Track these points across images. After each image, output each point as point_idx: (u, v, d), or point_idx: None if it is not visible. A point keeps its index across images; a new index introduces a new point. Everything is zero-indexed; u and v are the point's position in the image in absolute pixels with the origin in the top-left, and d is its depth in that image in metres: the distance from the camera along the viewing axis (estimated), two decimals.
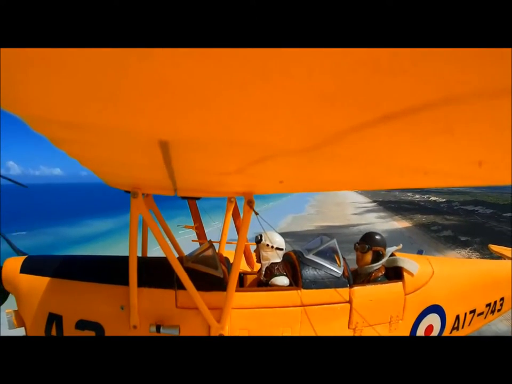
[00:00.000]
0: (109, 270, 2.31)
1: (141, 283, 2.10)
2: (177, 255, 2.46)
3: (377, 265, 2.62)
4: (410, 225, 16.01)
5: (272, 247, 2.57)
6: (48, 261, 2.36)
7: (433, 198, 33.24)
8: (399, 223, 16.54)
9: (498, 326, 5.00)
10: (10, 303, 2.38)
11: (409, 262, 2.62)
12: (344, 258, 2.51)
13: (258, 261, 2.65)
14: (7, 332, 2.34)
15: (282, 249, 2.60)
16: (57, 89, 0.52)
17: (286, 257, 2.61)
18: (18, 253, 2.41)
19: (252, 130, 0.72)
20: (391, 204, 28.27)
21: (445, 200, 30.41)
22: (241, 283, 2.89)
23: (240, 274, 2.81)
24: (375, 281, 2.55)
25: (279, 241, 2.61)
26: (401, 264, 2.61)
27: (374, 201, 31.02)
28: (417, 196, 37.49)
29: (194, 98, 0.53)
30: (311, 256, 2.46)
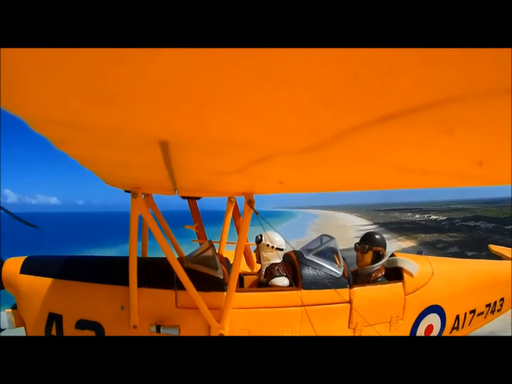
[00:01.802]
0: (109, 270, 2.31)
1: (141, 283, 2.10)
2: (177, 256, 2.46)
3: (377, 265, 2.62)
4: (416, 244, 15.98)
5: (272, 247, 2.56)
6: (48, 262, 2.36)
7: (433, 217, 33.24)
8: (404, 243, 16.46)
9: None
10: (10, 303, 2.38)
11: (409, 262, 2.61)
12: (344, 259, 2.51)
13: (258, 261, 2.65)
14: (7, 331, 2.34)
15: (282, 250, 2.60)
16: (57, 89, 0.52)
17: (286, 257, 2.61)
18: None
19: (252, 131, 0.72)
20: (393, 225, 27.95)
21: (445, 218, 30.43)
22: (241, 284, 2.89)
23: (240, 275, 2.81)
24: (375, 281, 2.55)
25: (279, 241, 2.61)
26: (401, 264, 2.61)
27: (375, 223, 30.69)
28: (417, 216, 37.49)
29: (194, 98, 0.53)
30: (311, 257, 2.46)
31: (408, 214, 42.40)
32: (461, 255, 12.92)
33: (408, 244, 16.27)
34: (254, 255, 3.43)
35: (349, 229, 24.77)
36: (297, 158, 0.93)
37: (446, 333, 2.73)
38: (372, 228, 25.42)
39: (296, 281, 2.34)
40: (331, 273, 2.37)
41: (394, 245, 15.73)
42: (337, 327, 2.31)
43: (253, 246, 3.11)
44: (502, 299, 3.04)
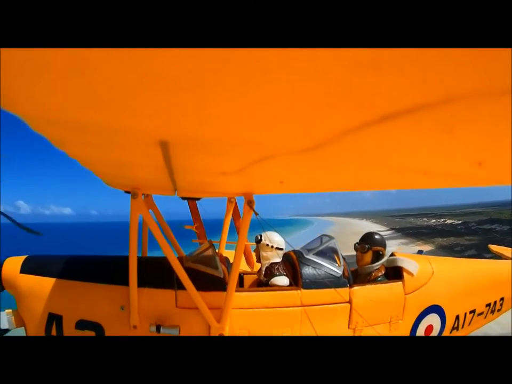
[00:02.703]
0: (109, 270, 2.31)
1: (141, 283, 2.10)
2: (177, 255, 2.46)
3: (377, 265, 2.62)
4: (433, 248, 16.02)
5: (272, 247, 2.56)
6: (48, 261, 2.36)
7: (449, 221, 33.19)
8: (422, 248, 16.60)
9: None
10: (11, 303, 2.38)
11: (409, 262, 2.61)
12: (344, 258, 2.51)
13: (258, 261, 2.65)
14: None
15: (282, 249, 2.60)
16: (57, 89, 0.52)
17: (286, 257, 2.61)
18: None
19: (252, 131, 0.72)
20: (409, 230, 27.81)
21: (461, 221, 30.35)
22: (241, 283, 2.89)
23: (240, 274, 2.81)
24: (375, 281, 2.54)
25: (279, 241, 2.61)
26: (401, 264, 2.61)
27: (391, 229, 30.57)
28: (433, 220, 37.47)
29: (194, 98, 0.53)
30: (311, 256, 2.46)
31: (424, 219, 42.39)
32: (478, 257, 13.12)
33: (426, 248, 16.39)
34: (254, 254, 3.43)
35: None
36: (297, 158, 0.93)
37: (446, 333, 2.73)
38: (388, 233, 25.47)
39: (296, 281, 2.34)
40: (331, 272, 2.37)
41: (412, 249, 15.83)
42: (337, 327, 2.30)
43: (253, 246, 3.11)
44: (502, 299, 3.04)
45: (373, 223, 44.04)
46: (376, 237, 2.71)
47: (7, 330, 2.30)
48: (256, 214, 2.00)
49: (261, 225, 2.12)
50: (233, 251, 2.18)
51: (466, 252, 14.27)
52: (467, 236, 19.39)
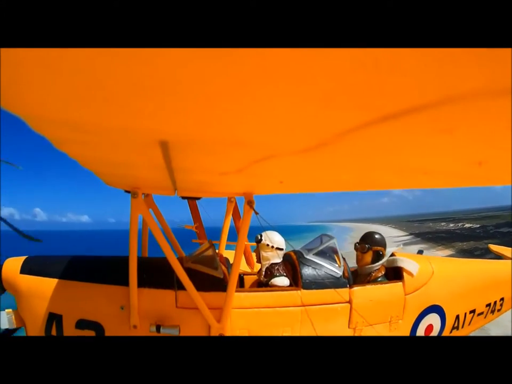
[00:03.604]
0: (109, 270, 2.31)
1: (141, 283, 2.10)
2: (177, 255, 2.46)
3: (377, 265, 2.62)
4: (454, 252, 16.06)
5: (272, 247, 2.56)
6: (48, 262, 2.36)
7: (467, 225, 33.35)
8: (442, 252, 16.57)
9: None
10: (11, 303, 2.38)
11: (409, 262, 2.61)
12: (344, 259, 2.51)
13: (258, 261, 2.65)
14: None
15: (282, 249, 2.60)
16: (57, 89, 0.52)
17: (286, 257, 2.61)
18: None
19: (252, 131, 0.72)
20: (428, 234, 27.96)
21: (479, 225, 30.54)
22: (241, 283, 2.89)
23: (240, 274, 2.81)
24: (375, 281, 2.54)
25: (279, 241, 2.61)
26: (401, 264, 2.60)
27: (410, 234, 30.70)
28: (452, 225, 37.62)
29: (194, 98, 0.53)
30: (311, 256, 2.46)
31: (442, 224, 42.49)
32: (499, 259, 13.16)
33: (447, 252, 16.43)
34: (254, 255, 3.43)
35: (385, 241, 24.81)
36: (297, 158, 0.93)
37: (446, 332, 2.73)
38: (407, 238, 25.46)
39: (296, 281, 2.34)
40: (331, 273, 2.37)
41: (433, 254, 15.90)
42: (337, 327, 2.31)
43: (253, 246, 3.11)
44: (502, 299, 3.04)
45: (392, 229, 44.08)
46: (377, 236, 2.71)
47: (14, 330, 2.30)
48: (257, 213, 2.00)
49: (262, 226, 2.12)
50: (233, 251, 2.18)
51: (486, 255, 14.38)
52: (486, 239, 19.43)
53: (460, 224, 36.35)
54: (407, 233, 31.91)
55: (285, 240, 2.65)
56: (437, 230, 32.69)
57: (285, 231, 2.05)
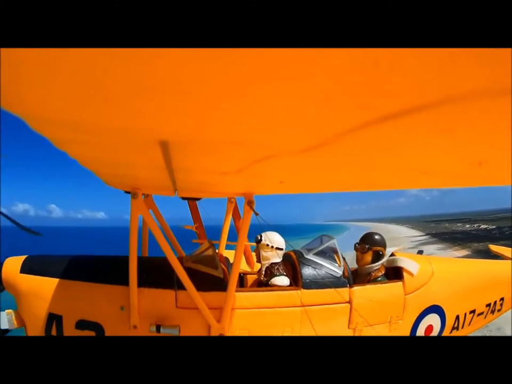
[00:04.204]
0: (109, 270, 2.31)
1: (141, 283, 2.10)
2: (177, 255, 2.46)
3: (377, 265, 2.62)
4: (470, 253, 16.08)
5: (272, 247, 2.56)
6: (48, 261, 2.36)
7: (483, 226, 33.44)
8: (459, 252, 16.62)
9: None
10: (11, 303, 2.38)
11: (409, 262, 2.61)
12: (344, 258, 2.51)
13: (258, 261, 2.65)
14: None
15: (282, 249, 2.60)
16: (57, 89, 0.52)
17: (286, 257, 2.61)
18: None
19: (252, 131, 0.72)
20: (445, 235, 28.09)
21: (495, 226, 30.66)
22: (241, 283, 2.89)
23: (240, 274, 2.81)
24: (375, 281, 2.54)
25: (279, 241, 2.61)
26: (401, 264, 2.60)
27: (427, 234, 30.68)
28: (468, 226, 37.68)
29: (194, 98, 0.53)
30: (311, 256, 2.46)
31: (459, 224, 42.45)
32: None
33: (463, 252, 16.48)
34: (254, 255, 3.43)
35: (402, 240, 24.85)
36: (297, 158, 0.93)
37: (446, 333, 2.73)
38: (424, 238, 25.49)
39: (296, 281, 2.34)
40: (331, 272, 2.37)
41: (450, 254, 15.89)
42: (337, 327, 2.31)
43: (253, 246, 3.11)
44: (502, 299, 3.04)
45: (409, 229, 43.98)
46: (376, 237, 2.71)
47: (7, 330, 2.30)
48: (257, 214, 2.00)
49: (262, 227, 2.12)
50: (233, 251, 2.18)
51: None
52: (502, 240, 19.48)
53: (475, 225, 36.40)
54: (424, 233, 31.93)
55: (285, 240, 2.65)
56: (453, 231, 32.78)
57: (302, 230, 2.05)
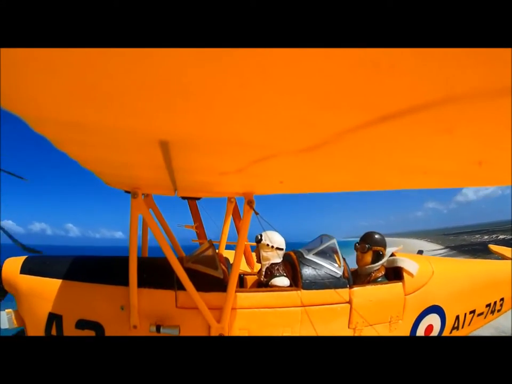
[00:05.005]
0: (109, 271, 2.31)
1: (141, 283, 2.10)
2: (177, 255, 2.46)
3: (377, 265, 2.62)
4: None
5: (272, 247, 2.56)
6: (48, 262, 2.36)
7: (501, 236, 33.60)
8: None
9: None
10: (10, 303, 2.38)
11: (409, 262, 2.61)
12: (344, 259, 2.51)
13: (259, 261, 2.65)
14: (8, 331, 2.34)
15: (282, 249, 2.60)
16: (57, 89, 0.52)
17: (286, 257, 2.61)
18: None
19: (252, 131, 0.72)
20: (464, 247, 28.19)
21: None
22: (241, 284, 2.89)
23: (240, 275, 2.81)
24: (375, 281, 2.54)
25: (279, 241, 2.60)
26: (401, 264, 2.60)
27: (446, 247, 30.83)
28: (486, 237, 37.84)
29: (194, 98, 0.53)
30: (311, 257, 2.46)
31: (477, 236, 42.42)
32: None
33: None
34: (254, 255, 3.43)
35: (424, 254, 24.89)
36: (297, 158, 0.93)
37: (446, 333, 2.73)
38: (444, 252, 25.50)
39: (296, 281, 2.34)
40: (331, 273, 2.37)
41: None
42: (337, 327, 2.31)
43: (253, 246, 3.11)
44: (502, 299, 3.04)
45: (428, 242, 43.90)
46: (377, 236, 2.71)
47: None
48: (257, 213, 2.00)
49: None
50: (233, 251, 2.18)
51: None
52: None
53: (494, 236, 36.60)
54: (443, 247, 32.02)
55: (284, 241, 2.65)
56: (471, 242, 32.97)
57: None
